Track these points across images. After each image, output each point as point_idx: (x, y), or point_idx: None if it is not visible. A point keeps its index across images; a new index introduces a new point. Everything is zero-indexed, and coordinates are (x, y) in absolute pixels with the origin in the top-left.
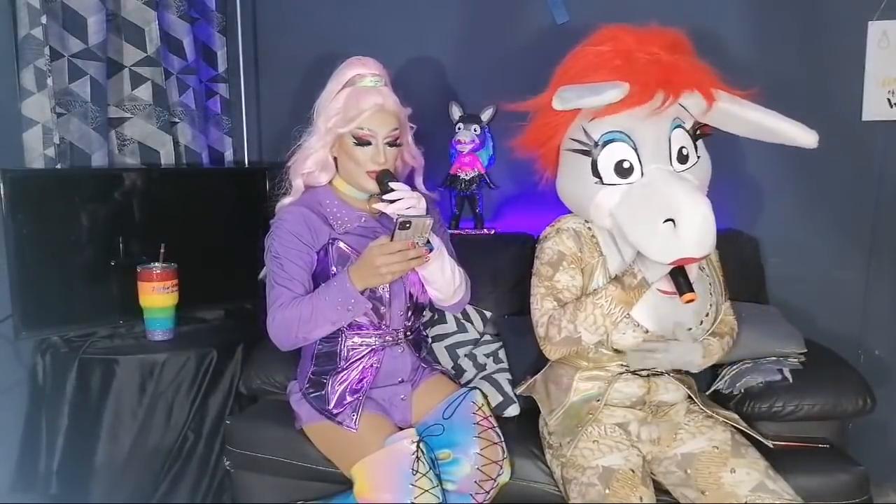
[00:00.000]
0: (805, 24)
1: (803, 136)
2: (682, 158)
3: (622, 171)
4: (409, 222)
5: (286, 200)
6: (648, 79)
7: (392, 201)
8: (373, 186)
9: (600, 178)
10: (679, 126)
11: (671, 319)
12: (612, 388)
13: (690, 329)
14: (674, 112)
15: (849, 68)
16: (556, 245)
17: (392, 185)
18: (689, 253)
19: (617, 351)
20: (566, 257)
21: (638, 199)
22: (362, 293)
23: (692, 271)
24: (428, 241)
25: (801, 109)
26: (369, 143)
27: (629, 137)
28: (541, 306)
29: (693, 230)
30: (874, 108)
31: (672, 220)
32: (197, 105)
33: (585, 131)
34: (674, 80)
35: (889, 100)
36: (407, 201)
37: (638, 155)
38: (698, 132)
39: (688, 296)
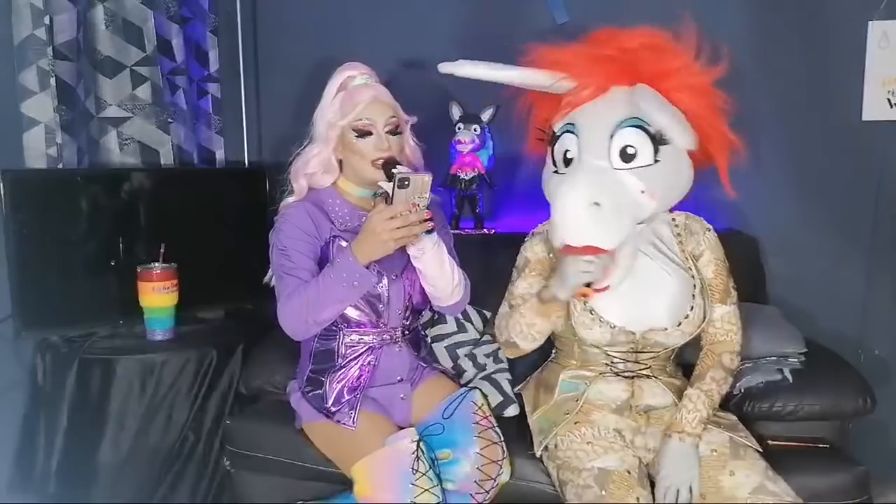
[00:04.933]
0: (805, 24)
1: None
2: (627, 157)
3: (566, 160)
4: (408, 179)
5: (290, 199)
6: (593, 73)
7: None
8: (380, 176)
9: (555, 165)
10: (635, 125)
11: (638, 313)
12: (593, 388)
13: (666, 329)
14: (629, 110)
15: (849, 68)
16: (525, 251)
17: (395, 169)
18: (564, 240)
19: (593, 346)
20: (530, 264)
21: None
22: (367, 267)
23: (623, 261)
24: (429, 205)
25: (802, 109)
26: (370, 133)
27: (575, 130)
28: (499, 309)
29: (557, 217)
30: (874, 108)
31: None
32: (188, 105)
33: (551, 124)
34: (608, 72)
35: (889, 100)
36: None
37: (579, 147)
38: (665, 137)
39: (582, 290)
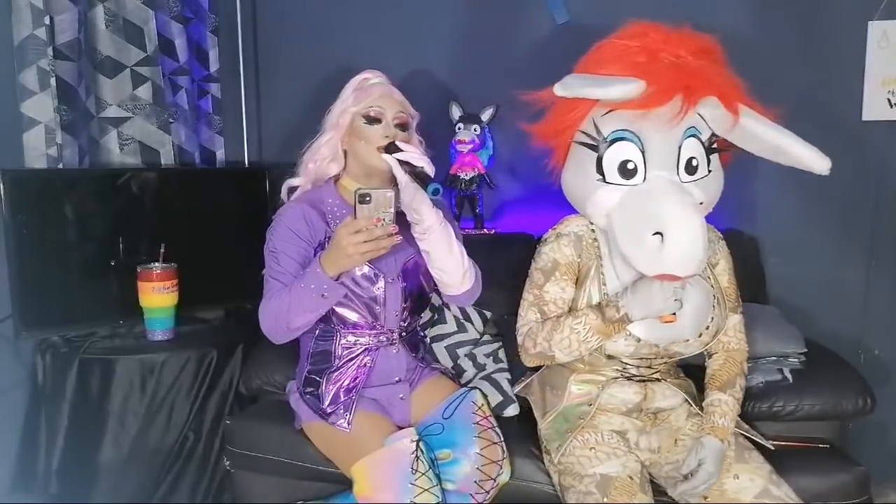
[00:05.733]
0: (805, 24)
1: (816, 162)
2: (691, 169)
3: (625, 171)
4: (369, 195)
5: (295, 181)
6: (669, 81)
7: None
8: (382, 161)
9: (603, 175)
10: (694, 136)
11: (664, 330)
12: (606, 392)
13: (688, 341)
14: (690, 120)
15: (849, 68)
16: (552, 252)
17: (399, 144)
18: (672, 270)
19: (610, 357)
20: (560, 267)
21: (632, 205)
22: (337, 279)
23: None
24: (396, 219)
25: (802, 109)
26: (379, 121)
27: (638, 138)
28: (525, 315)
29: (678, 249)
30: (874, 108)
31: (660, 233)
32: (189, 105)
33: (596, 126)
34: (695, 85)
35: (889, 100)
36: (412, 154)
37: (644, 158)
38: (713, 145)
39: (666, 317)
